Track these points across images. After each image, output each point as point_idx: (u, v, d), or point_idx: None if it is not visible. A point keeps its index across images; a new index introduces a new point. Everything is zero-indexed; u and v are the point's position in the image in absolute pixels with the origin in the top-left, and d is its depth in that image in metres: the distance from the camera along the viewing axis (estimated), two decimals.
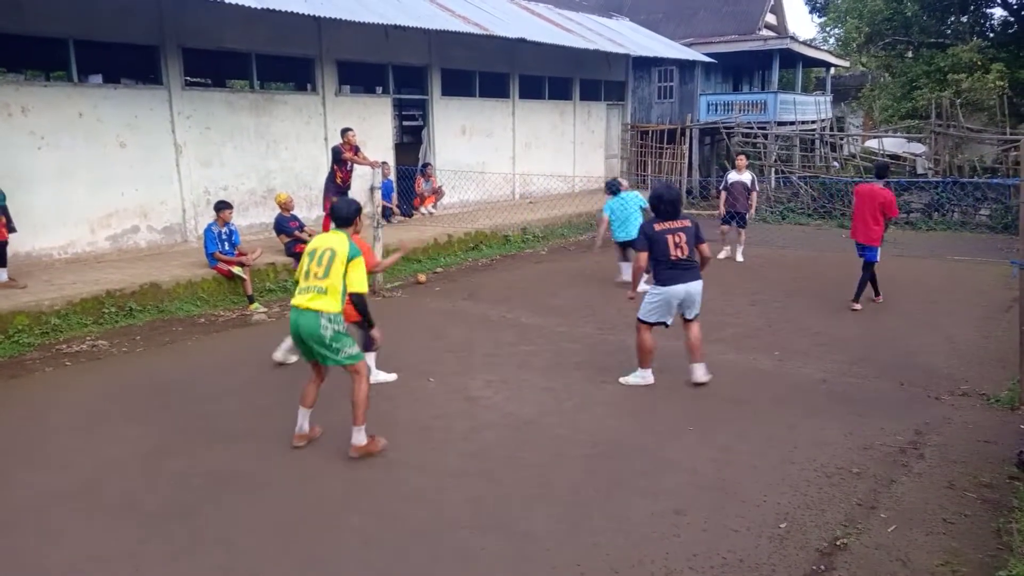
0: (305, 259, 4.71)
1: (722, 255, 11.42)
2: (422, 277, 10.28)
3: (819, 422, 5.22)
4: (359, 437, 4.69)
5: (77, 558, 3.67)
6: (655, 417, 5.36)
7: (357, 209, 4.91)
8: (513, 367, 6.50)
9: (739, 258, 11.36)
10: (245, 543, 3.79)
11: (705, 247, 5.83)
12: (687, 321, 5.91)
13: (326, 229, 10.29)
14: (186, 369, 6.52)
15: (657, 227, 5.69)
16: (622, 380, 6.02)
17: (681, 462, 4.63)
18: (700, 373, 5.92)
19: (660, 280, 5.75)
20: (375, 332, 5.14)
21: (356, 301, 4.73)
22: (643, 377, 5.98)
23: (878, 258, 8.36)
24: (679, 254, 5.65)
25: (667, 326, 5.93)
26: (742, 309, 8.46)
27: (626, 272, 9.61)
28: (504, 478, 4.46)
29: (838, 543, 3.71)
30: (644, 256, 5.75)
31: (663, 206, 5.74)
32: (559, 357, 6.77)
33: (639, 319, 5.92)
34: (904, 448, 4.79)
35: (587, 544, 3.73)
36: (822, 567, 3.51)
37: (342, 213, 4.86)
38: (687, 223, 5.76)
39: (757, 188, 11.77)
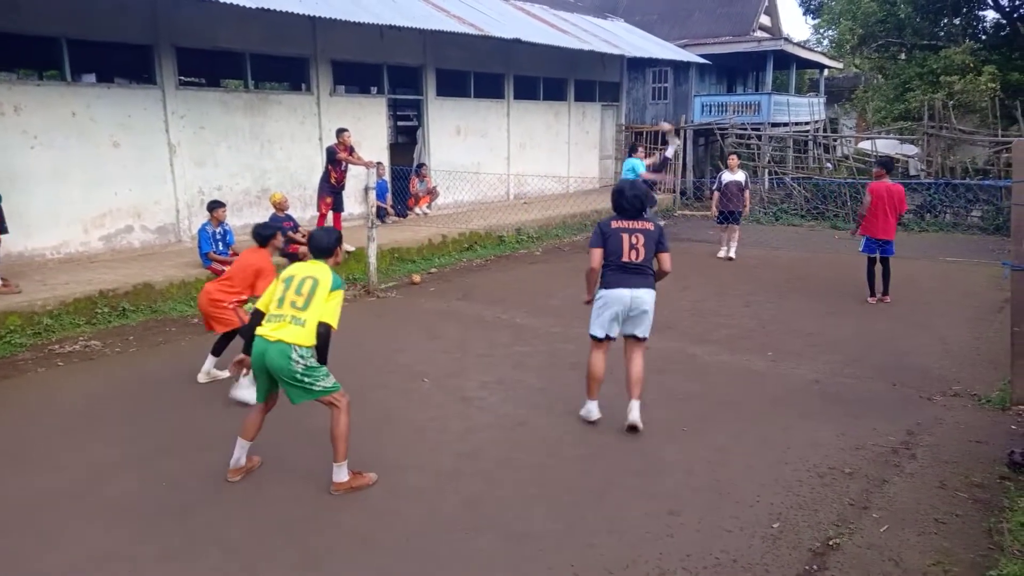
0: (279, 286, 4.32)
1: (721, 254, 11.51)
2: (416, 277, 10.27)
3: (812, 423, 5.24)
4: (340, 473, 4.31)
5: (72, 559, 3.66)
6: (649, 418, 5.37)
7: (338, 239, 4.53)
8: (508, 368, 6.51)
9: (731, 254, 11.57)
10: (241, 543, 3.79)
11: (666, 258, 5.06)
12: (628, 339, 5.14)
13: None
14: (180, 369, 6.50)
15: (614, 224, 5.01)
16: (582, 413, 5.28)
17: (675, 463, 4.64)
18: (635, 414, 5.05)
19: (604, 282, 5.05)
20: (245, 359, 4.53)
21: (322, 333, 4.24)
22: (586, 411, 5.23)
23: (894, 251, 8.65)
24: (633, 256, 4.95)
25: (611, 339, 5.17)
26: (735, 310, 8.49)
27: None
28: (499, 479, 4.47)
29: (831, 543, 3.73)
30: (598, 254, 5.00)
31: (624, 203, 5.05)
32: (554, 358, 6.78)
33: (590, 335, 5.21)
34: (896, 448, 4.82)
35: (582, 544, 3.74)
36: (815, 567, 3.54)
37: (322, 244, 4.42)
38: (649, 226, 5.05)
39: (750, 187, 11.94)
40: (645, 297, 5.00)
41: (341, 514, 4.07)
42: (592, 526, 3.91)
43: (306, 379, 4.19)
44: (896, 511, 4.03)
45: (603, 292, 5.07)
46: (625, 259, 4.96)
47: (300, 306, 4.20)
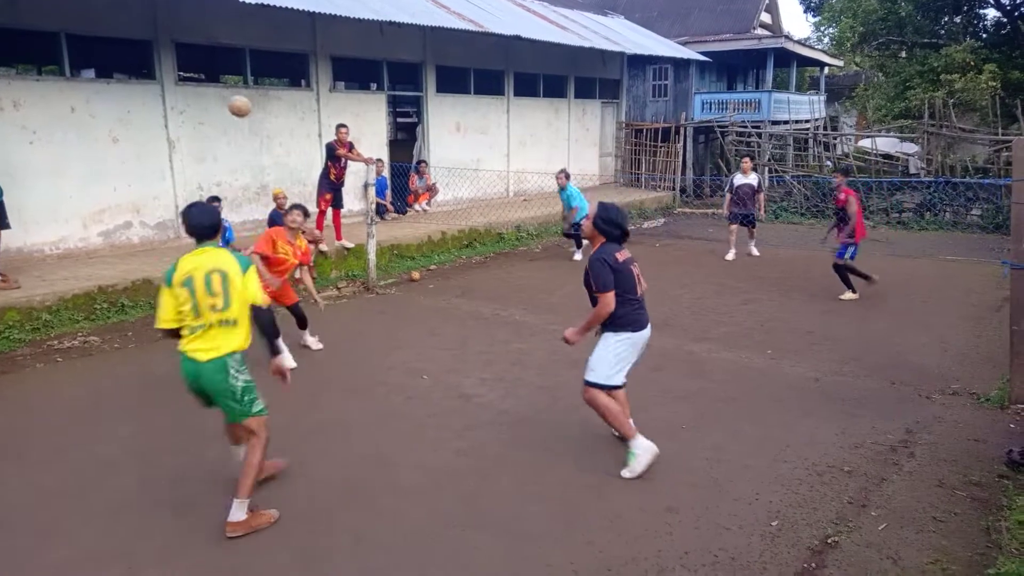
0: (181, 292, 3.72)
1: (729, 256, 11.42)
2: (416, 274, 10.27)
3: (811, 421, 5.25)
4: (239, 512, 3.81)
5: (70, 556, 3.66)
6: (648, 416, 5.37)
7: (216, 216, 3.94)
8: (507, 365, 6.51)
9: (755, 252, 11.63)
10: (239, 541, 3.78)
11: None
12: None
13: (319, 227, 10.32)
14: (179, 366, 6.48)
15: (619, 256, 4.44)
16: (626, 474, 4.43)
17: (674, 460, 4.64)
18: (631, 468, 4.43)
19: (627, 323, 4.44)
20: (280, 362, 4.06)
21: (260, 317, 3.85)
22: (646, 449, 4.47)
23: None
24: (640, 291, 4.52)
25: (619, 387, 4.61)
26: (735, 308, 8.48)
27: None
28: (498, 476, 4.47)
29: (829, 541, 3.73)
30: (612, 297, 4.36)
31: (619, 231, 4.49)
32: (553, 355, 6.77)
33: (598, 385, 4.47)
34: (895, 447, 4.82)
35: (580, 542, 3.74)
36: (813, 565, 3.54)
37: (205, 223, 3.84)
38: (629, 253, 4.60)
39: (764, 189, 11.80)
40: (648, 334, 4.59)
41: (338, 512, 4.06)
42: (591, 524, 3.91)
43: (245, 397, 3.85)
44: (895, 509, 4.04)
45: (630, 335, 4.45)
46: (639, 294, 4.52)
47: (221, 307, 3.74)
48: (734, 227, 11.49)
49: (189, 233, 3.86)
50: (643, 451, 4.46)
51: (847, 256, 8.64)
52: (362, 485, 4.36)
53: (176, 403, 5.62)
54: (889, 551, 3.64)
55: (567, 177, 11.43)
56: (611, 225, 4.47)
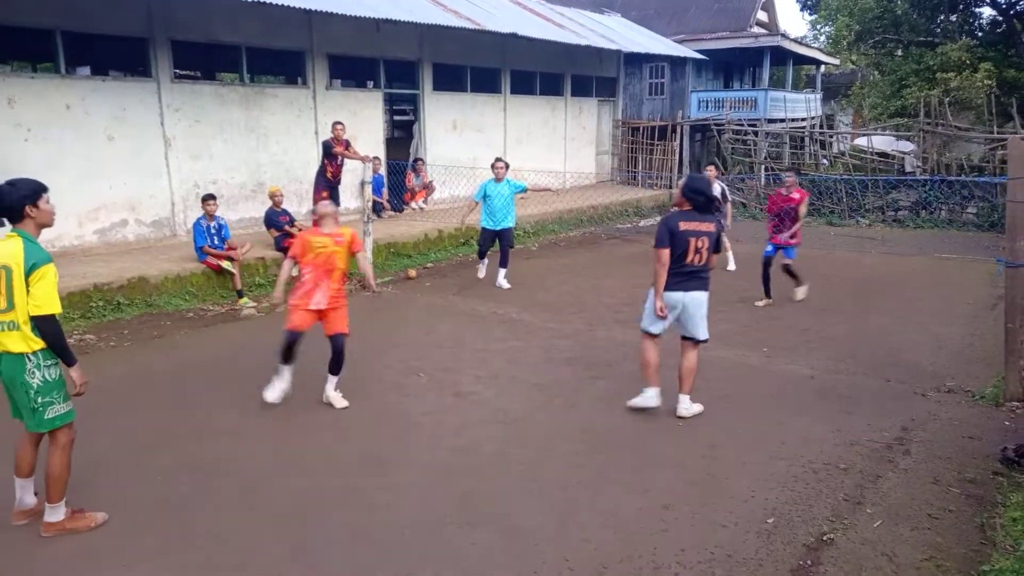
0: None
1: None
2: (412, 272, 10.26)
3: (807, 418, 5.26)
4: (53, 514, 3.71)
5: (65, 552, 3.65)
6: (644, 413, 5.38)
7: (28, 194, 3.56)
8: (503, 363, 6.51)
9: (732, 267, 10.62)
10: (234, 537, 3.79)
11: (715, 258, 5.17)
12: (685, 340, 5.27)
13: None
14: (174, 364, 6.49)
15: (682, 225, 4.97)
16: (627, 401, 5.36)
17: (670, 458, 4.65)
18: (683, 406, 5.24)
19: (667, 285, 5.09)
20: (76, 373, 3.67)
21: (42, 329, 3.48)
22: (644, 398, 5.27)
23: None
24: (696, 260, 5.00)
25: (659, 335, 5.30)
26: (731, 306, 8.49)
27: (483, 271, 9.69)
28: (493, 474, 4.47)
29: (825, 538, 3.74)
30: (665, 255, 4.98)
31: (701, 201, 5.03)
32: (549, 353, 6.78)
33: (642, 330, 5.36)
34: (890, 444, 4.83)
35: (576, 539, 3.74)
36: (809, 562, 3.55)
37: (6, 201, 3.51)
38: (711, 227, 5.05)
39: (730, 198, 10.91)
40: (698, 298, 5.11)
41: (335, 508, 4.06)
42: (586, 521, 3.91)
43: (40, 398, 3.57)
44: (890, 506, 4.05)
45: (663, 294, 5.09)
46: (687, 261, 5.00)
47: (4, 307, 3.45)
48: None
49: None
50: (645, 398, 5.27)
51: (794, 257, 8.49)
52: (358, 482, 4.36)
53: (172, 400, 5.62)
54: (884, 548, 3.65)
55: (506, 167, 9.81)
56: (695, 193, 5.06)
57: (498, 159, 9.92)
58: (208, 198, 8.87)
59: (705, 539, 3.73)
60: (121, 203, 9.94)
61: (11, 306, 3.46)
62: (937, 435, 4.98)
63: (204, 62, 15.81)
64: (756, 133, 18.40)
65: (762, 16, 26.22)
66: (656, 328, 5.24)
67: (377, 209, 12.11)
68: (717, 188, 10.59)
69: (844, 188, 15.66)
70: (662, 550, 3.64)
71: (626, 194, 17.35)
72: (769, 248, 8.55)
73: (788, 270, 8.52)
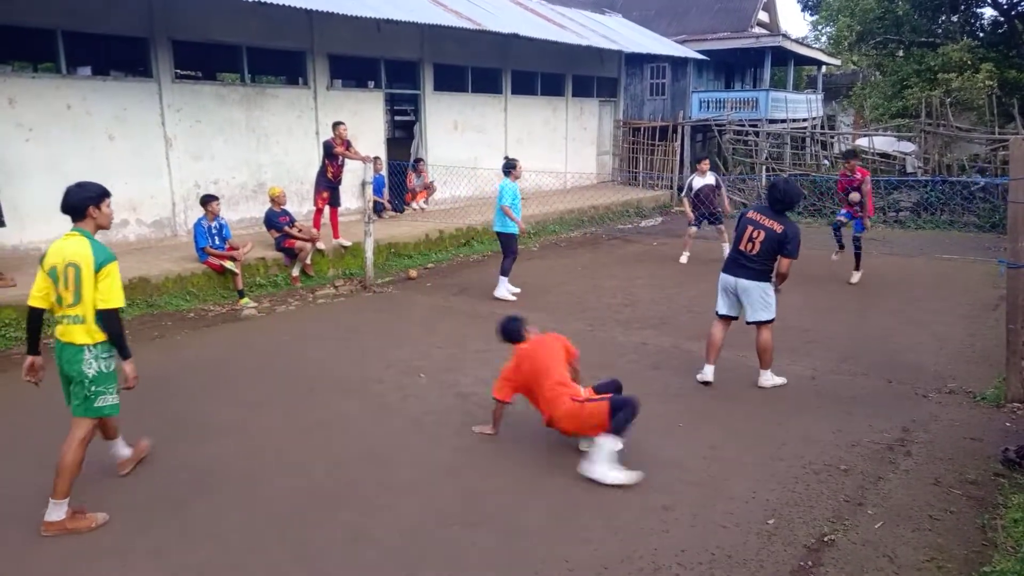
0: (46, 281, 3.77)
1: (683, 259, 11.12)
2: (413, 273, 10.26)
3: (807, 419, 5.25)
4: (55, 511, 3.77)
5: (65, 552, 3.65)
6: (645, 414, 5.35)
7: (93, 196, 3.84)
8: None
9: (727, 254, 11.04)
10: (234, 537, 3.78)
11: (786, 263, 5.54)
12: (749, 323, 5.79)
13: (316, 225, 10.31)
14: (175, 364, 6.49)
15: (751, 214, 5.62)
16: (697, 375, 5.94)
17: (670, 458, 4.65)
18: (761, 379, 5.90)
19: (723, 266, 5.82)
20: (129, 367, 3.91)
21: (106, 322, 3.77)
22: (701, 373, 5.92)
23: None
24: (748, 248, 5.53)
25: (734, 319, 5.85)
26: None
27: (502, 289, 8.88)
28: (494, 474, 4.47)
29: (825, 539, 3.74)
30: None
31: (771, 196, 5.62)
32: None
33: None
34: (891, 445, 4.83)
35: (576, 540, 3.74)
36: (809, 563, 3.54)
37: (72, 200, 3.80)
38: (778, 228, 5.45)
39: (723, 186, 11.50)
40: (747, 286, 5.61)
41: (335, 509, 4.06)
42: (587, 521, 3.91)
43: (93, 387, 3.82)
44: (891, 507, 4.04)
45: (721, 275, 5.78)
46: (740, 247, 5.56)
47: (71, 302, 3.73)
48: (694, 230, 11.16)
49: (64, 210, 3.86)
50: (702, 374, 5.89)
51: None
52: (359, 482, 4.36)
53: (171, 401, 5.62)
54: (885, 549, 3.65)
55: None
56: (773, 191, 5.66)
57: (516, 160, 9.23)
58: (210, 199, 8.84)
59: (705, 540, 3.73)
60: (122, 203, 9.92)
61: (78, 300, 3.73)
62: (938, 436, 4.97)
63: (205, 62, 15.82)
64: (757, 134, 18.38)
65: (763, 16, 26.22)
66: (720, 308, 5.80)
67: (378, 209, 12.12)
68: (712, 179, 10.93)
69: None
70: (662, 551, 3.64)
71: (627, 195, 17.35)
72: (843, 211, 9.83)
73: (857, 244, 9.52)
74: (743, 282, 5.62)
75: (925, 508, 4.03)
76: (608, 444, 4.25)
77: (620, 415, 4.22)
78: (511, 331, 4.86)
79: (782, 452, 4.72)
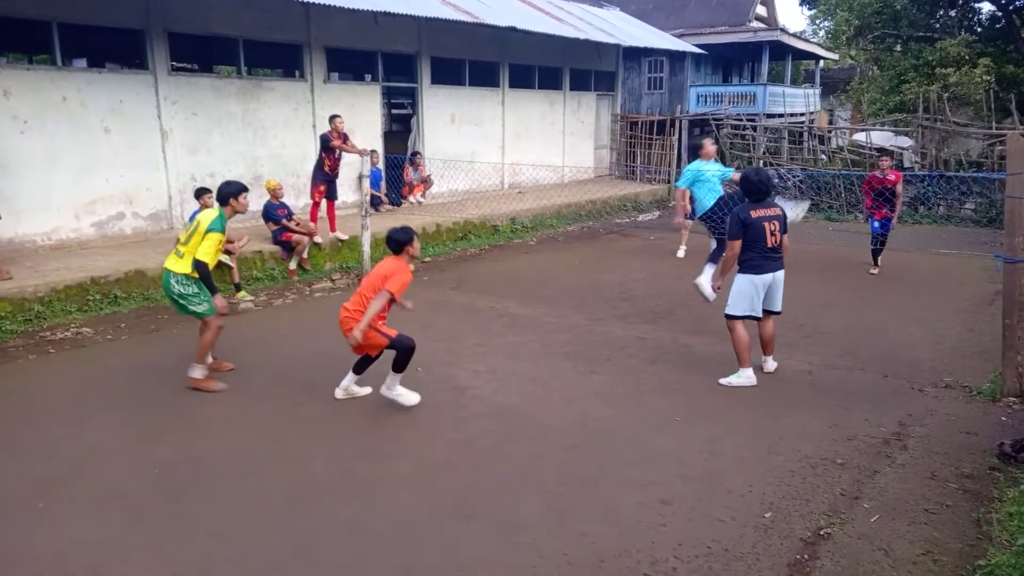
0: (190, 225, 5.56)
1: (680, 253, 11.05)
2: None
3: (804, 413, 5.26)
4: (194, 371, 5.59)
5: (63, 546, 3.65)
6: (642, 408, 5.39)
7: (234, 191, 5.55)
8: (501, 357, 6.51)
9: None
10: (231, 530, 3.78)
11: (786, 238, 5.78)
12: (766, 313, 5.87)
13: (313, 219, 10.28)
14: (172, 357, 6.47)
15: (754, 214, 5.61)
16: (722, 381, 5.78)
17: (668, 453, 4.66)
18: (768, 366, 6.06)
19: (751, 267, 5.68)
20: (218, 300, 5.56)
21: (197, 267, 5.37)
22: (747, 378, 5.76)
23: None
24: (773, 243, 5.62)
25: (757, 319, 5.81)
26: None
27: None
28: (492, 468, 4.47)
29: (822, 533, 3.75)
30: (738, 244, 5.64)
31: (755, 189, 5.65)
32: (547, 347, 6.78)
33: (727, 315, 5.81)
34: (888, 439, 4.84)
35: (574, 533, 3.75)
36: (806, 556, 3.55)
37: (220, 192, 5.61)
38: (778, 211, 5.72)
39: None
40: (780, 277, 5.80)
41: (332, 502, 4.06)
42: (585, 515, 3.92)
43: (180, 300, 5.47)
44: (887, 501, 4.06)
45: (751, 276, 5.70)
46: (768, 246, 5.63)
47: (183, 241, 5.47)
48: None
49: (388, 244, 5.57)
50: (743, 377, 5.76)
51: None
52: (356, 476, 4.36)
53: (168, 394, 5.61)
54: (881, 543, 3.66)
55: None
56: (744, 187, 5.74)
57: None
58: (203, 192, 8.76)
59: (702, 534, 3.74)
60: (118, 196, 9.90)
61: (187, 242, 5.44)
62: (934, 430, 4.99)
63: (201, 55, 15.74)
64: (755, 128, 18.38)
65: (761, 11, 26.17)
66: (742, 310, 5.76)
67: (375, 203, 12.09)
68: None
69: (843, 183, 15.66)
70: (660, 545, 3.65)
71: (625, 188, 17.33)
72: (876, 225, 9.69)
73: (884, 240, 9.75)
74: (778, 274, 5.77)
75: (921, 502, 4.05)
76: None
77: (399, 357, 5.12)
78: (393, 241, 5.52)
79: (779, 446, 4.73)
